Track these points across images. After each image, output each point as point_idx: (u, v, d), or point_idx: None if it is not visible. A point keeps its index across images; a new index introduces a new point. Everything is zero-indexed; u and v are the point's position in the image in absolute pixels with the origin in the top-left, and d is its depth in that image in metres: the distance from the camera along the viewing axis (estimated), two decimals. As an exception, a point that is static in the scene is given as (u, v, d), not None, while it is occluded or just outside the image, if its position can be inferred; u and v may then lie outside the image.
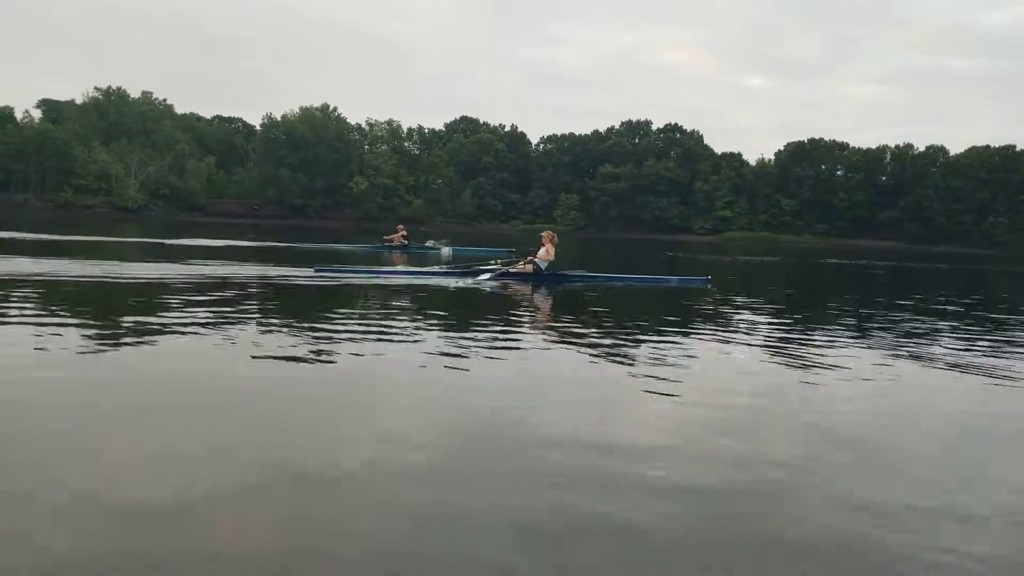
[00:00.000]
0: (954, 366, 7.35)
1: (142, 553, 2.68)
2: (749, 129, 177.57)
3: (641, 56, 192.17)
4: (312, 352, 6.55)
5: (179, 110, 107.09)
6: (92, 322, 7.94)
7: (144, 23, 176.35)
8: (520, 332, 8.54)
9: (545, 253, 14.94)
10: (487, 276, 14.72)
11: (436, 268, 16.46)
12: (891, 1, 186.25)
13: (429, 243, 28.13)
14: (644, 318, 10.90)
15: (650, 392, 5.58)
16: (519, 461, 3.86)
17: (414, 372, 6.02)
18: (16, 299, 9.28)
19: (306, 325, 8.23)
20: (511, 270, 15.05)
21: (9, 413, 4.43)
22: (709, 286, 15.92)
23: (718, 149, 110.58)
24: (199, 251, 21.40)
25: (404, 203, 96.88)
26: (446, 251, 24.46)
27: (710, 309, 11.93)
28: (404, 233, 27.12)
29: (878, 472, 4.08)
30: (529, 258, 15.08)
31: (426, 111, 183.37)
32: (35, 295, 9.97)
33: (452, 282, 14.39)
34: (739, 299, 14.33)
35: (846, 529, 3.24)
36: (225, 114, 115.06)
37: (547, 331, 8.75)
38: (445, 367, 6.19)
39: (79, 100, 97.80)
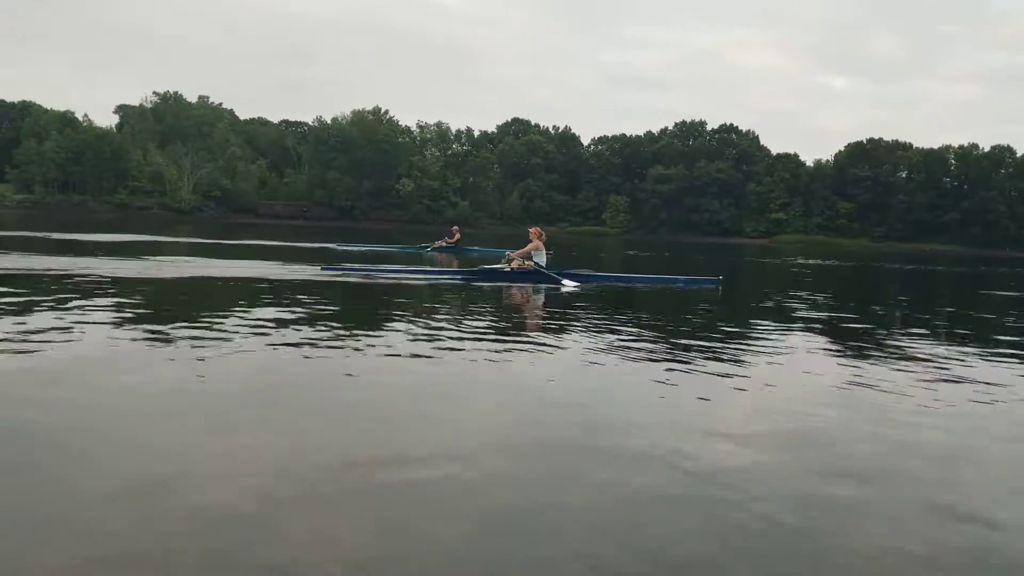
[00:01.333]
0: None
1: (219, 555, 2.69)
2: (833, 131, 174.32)
3: (720, 57, 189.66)
4: (370, 351, 6.55)
5: (245, 114, 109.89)
6: (166, 323, 7.80)
7: (226, 32, 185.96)
8: (568, 334, 8.34)
9: (529, 249, 14.65)
10: (483, 275, 14.60)
11: (442, 268, 16.38)
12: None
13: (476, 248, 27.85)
14: (689, 320, 10.42)
15: (718, 399, 5.45)
16: (592, 467, 3.76)
17: (476, 374, 5.99)
18: (93, 298, 9.36)
19: (356, 325, 8.22)
20: (513, 268, 14.56)
21: (83, 416, 4.35)
22: (720, 287, 15.08)
23: (802, 152, 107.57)
24: (252, 250, 22.27)
25: (450, 205, 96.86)
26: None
27: (769, 313, 11.47)
28: (459, 236, 26.74)
29: (965, 483, 3.90)
30: (522, 253, 14.71)
31: (499, 117, 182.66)
32: (110, 294, 10.05)
33: (447, 280, 14.37)
34: (798, 303, 13.59)
35: (938, 541, 3.11)
36: (292, 119, 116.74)
37: (591, 333, 8.37)
38: (505, 369, 6.17)
39: (138, 104, 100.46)
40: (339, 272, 14.70)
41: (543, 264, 14.53)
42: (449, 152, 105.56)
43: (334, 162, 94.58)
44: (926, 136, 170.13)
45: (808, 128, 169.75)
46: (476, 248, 27.66)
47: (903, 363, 7.10)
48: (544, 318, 10.17)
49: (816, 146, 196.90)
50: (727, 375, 6.22)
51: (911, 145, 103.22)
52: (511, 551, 2.82)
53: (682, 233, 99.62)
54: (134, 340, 6.58)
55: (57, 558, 2.62)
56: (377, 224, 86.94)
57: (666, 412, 5.01)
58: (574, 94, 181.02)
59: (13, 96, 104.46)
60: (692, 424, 4.71)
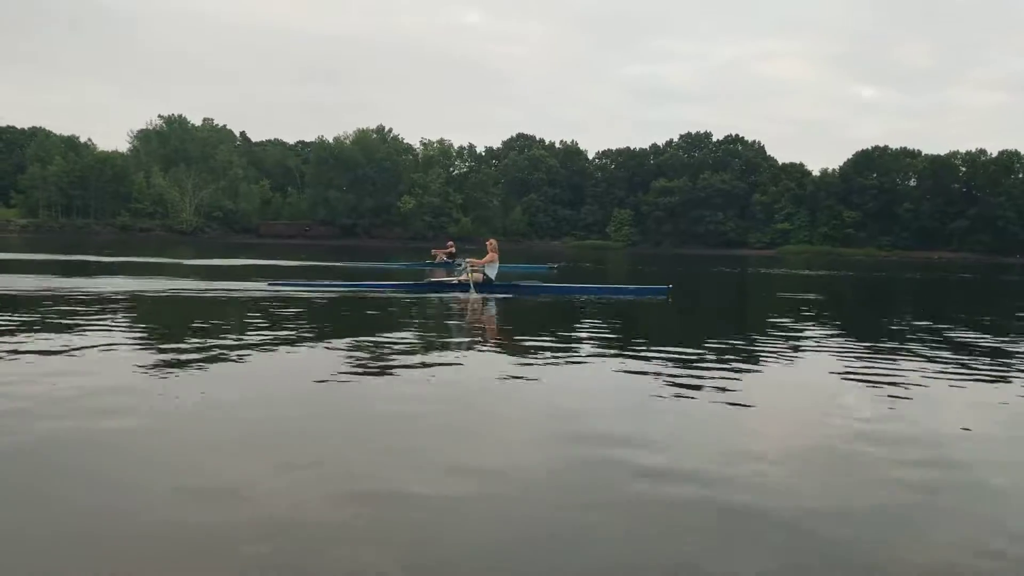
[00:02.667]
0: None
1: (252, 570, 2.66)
2: (863, 140, 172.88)
3: (748, 69, 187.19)
4: (382, 365, 6.52)
5: (261, 136, 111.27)
6: (188, 339, 7.87)
7: (252, 55, 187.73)
8: (578, 346, 8.16)
9: (486, 260, 14.77)
10: (433, 287, 14.72)
11: (390, 282, 16.44)
12: (1012, 3, 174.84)
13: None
14: (696, 334, 10.09)
15: (745, 415, 5.23)
16: (623, 483, 3.66)
17: (494, 386, 5.95)
18: (108, 315, 9.78)
19: (341, 340, 8.04)
20: (463, 280, 14.65)
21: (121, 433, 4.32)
22: (670, 297, 14.88)
23: (831, 165, 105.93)
24: (253, 270, 22.41)
25: (452, 221, 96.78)
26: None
27: (787, 325, 11.04)
28: (452, 249, 26.55)
29: (999, 495, 3.73)
30: (472, 264, 14.84)
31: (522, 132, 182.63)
32: (124, 311, 10.44)
33: (403, 294, 14.37)
34: (810, 315, 13.35)
35: (982, 553, 3.00)
36: (308, 140, 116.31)
37: (600, 344, 8.29)
38: (514, 381, 6.11)
39: (143, 129, 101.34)
40: (287, 287, 14.80)
41: (492, 276, 14.70)
42: (452, 169, 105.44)
43: (335, 181, 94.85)
44: (957, 144, 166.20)
45: (839, 139, 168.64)
46: (517, 265, 27.53)
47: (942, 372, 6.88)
48: (530, 330, 9.95)
49: (846, 158, 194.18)
50: (737, 388, 6.05)
51: (919, 152, 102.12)
52: (545, 567, 2.76)
53: (686, 245, 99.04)
54: (147, 362, 6.48)
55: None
56: (379, 242, 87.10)
57: (688, 424, 4.90)
58: (599, 109, 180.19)
59: (27, 122, 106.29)
60: (721, 438, 4.60)
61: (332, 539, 2.94)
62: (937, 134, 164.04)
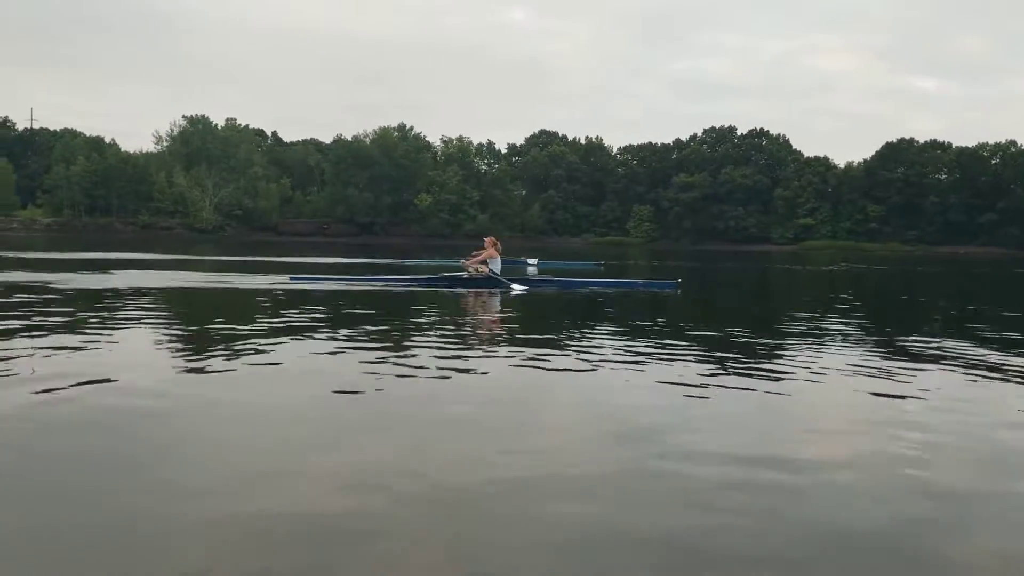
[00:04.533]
0: None
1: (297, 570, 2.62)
2: (921, 134, 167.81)
3: (800, 63, 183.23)
4: (423, 362, 6.41)
5: (291, 137, 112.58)
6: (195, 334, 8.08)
7: (300, 59, 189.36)
8: (604, 340, 8.10)
9: (484, 256, 15.34)
10: (445, 282, 15.21)
11: (406, 276, 17.21)
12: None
13: (523, 258, 27.95)
14: (746, 327, 10.01)
15: (797, 409, 5.19)
16: (673, 480, 3.58)
17: (541, 382, 5.89)
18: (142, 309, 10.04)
19: (373, 334, 8.19)
20: (470, 276, 15.15)
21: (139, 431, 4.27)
22: (679, 291, 15.41)
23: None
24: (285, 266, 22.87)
25: (469, 218, 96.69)
26: (532, 268, 24.87)
27: (810, 320, 11.04)
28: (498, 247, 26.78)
29: None
30: (478, 260, 15.38)
31: (567, 130, 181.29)
32: (159, 306, 10.73)
33: (412, 287, 14.87)
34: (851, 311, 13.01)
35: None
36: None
37: (625, 338, 8.27)
38: (564, 377, 6.09)
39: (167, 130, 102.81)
40: (308, 281, 15.63)
41: (497, 271, 15.24)
42: (477, 166, 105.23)
43: (354, 179, 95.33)
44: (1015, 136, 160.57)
45: (895, 134, 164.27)
46: (564, 262, 28.53)
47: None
48: (555, 324, 10.02)
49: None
50: (778, 381, 5.96)
51: (949, 145, 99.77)
52: (591, 566, 2.71)
53: (706, 241, 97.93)
54: (179, 355, 6.54)
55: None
56: (397, 239, 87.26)
57: (728, 421, 4.77)
58: (646, 104, 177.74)
59: (72, 125, 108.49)
60: (773, 432, 4.52)
61: (375, 534, 2.90)
62: (994, 126, 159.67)
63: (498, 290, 14.28)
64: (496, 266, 15.29)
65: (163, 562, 2.63)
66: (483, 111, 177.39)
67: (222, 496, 3.22)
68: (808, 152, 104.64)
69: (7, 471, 3.48)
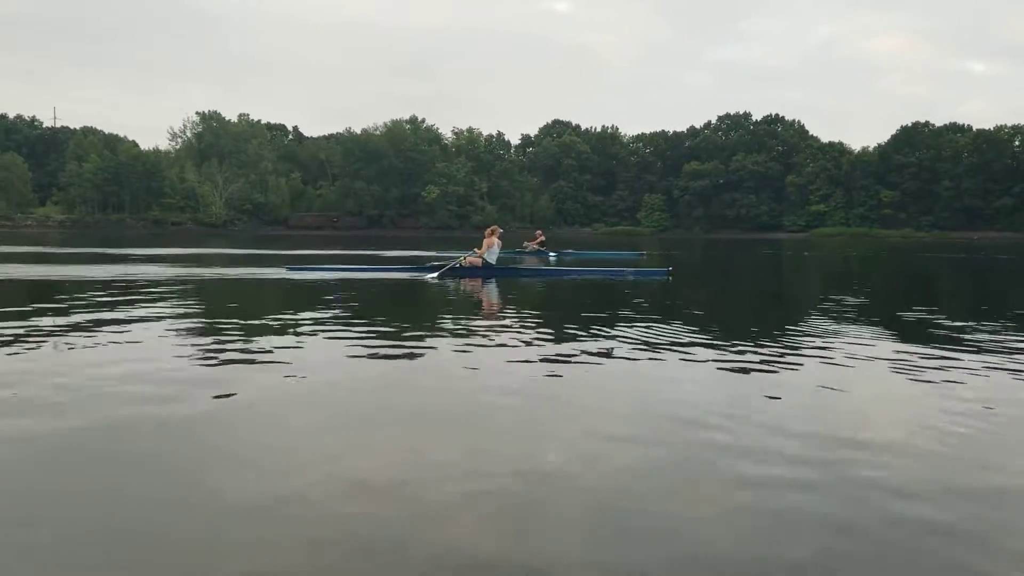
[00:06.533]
0: None
1: (372, 554, 2.64)
2: (973, 117, 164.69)
3: (846, 47, 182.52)
4: (430, 352, 6.43)
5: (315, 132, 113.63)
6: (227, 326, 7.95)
7: (343, 51, 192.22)
8: (627, 329, 7.88)
9: (484, 248, 15.56)
10: (435, 273, 15.04)
11: (397, 266, 17.54)
12: None
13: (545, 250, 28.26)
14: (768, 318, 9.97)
15: (842, 394, 5.06)
16: (725, 468, 3.50)
17: (580, 370, 5.76)
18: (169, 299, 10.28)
19: (395, 324, 8.16)
20: (463, 264, 15.29)
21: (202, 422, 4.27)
22: (670, 278, 15.34)
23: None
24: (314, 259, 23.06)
25: (477, 210, 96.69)
26: (552, 257, 25.39)
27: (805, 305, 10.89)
28: (542, 238, 27.75)
29: None
30: (476, 252, 15.63)
31: (615, 120, 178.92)
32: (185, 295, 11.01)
33: (407, 277, 15.01)
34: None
35: None
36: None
37: (642, 328, 8.02)
38: (610, 365, 5.96)
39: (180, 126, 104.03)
40: (307, 271, 15.83)
41: (492, 261, 15.50)
42: (480, 156, 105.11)
43: (362, 172, 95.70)
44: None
45: (947, 118, 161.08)
46: (570, 251, 28.40)
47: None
48: (567, 314, 9.88)
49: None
50: (818, 370, 5.80)
51: (969, 127, 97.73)
52: (641, 557, 2.66)
53: (718, 229, 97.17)
54: (205, 347, 6.49)
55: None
56: (405, 231, 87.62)
57: (772, 410, 4.61)
58: (691, 92, 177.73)
59: (101, 124, 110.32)
60: (816, 421, 4.37)
61: (429, 520, 2.92)
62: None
63: (493, 278, 14.60)
64: (492, 256, 15.54)
65: (214, 559, 2.61)
66: (524, 101, 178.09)
67: (271, 490, 3.18)
68: (827, 138, 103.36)
69: (54, 469, 3.44)
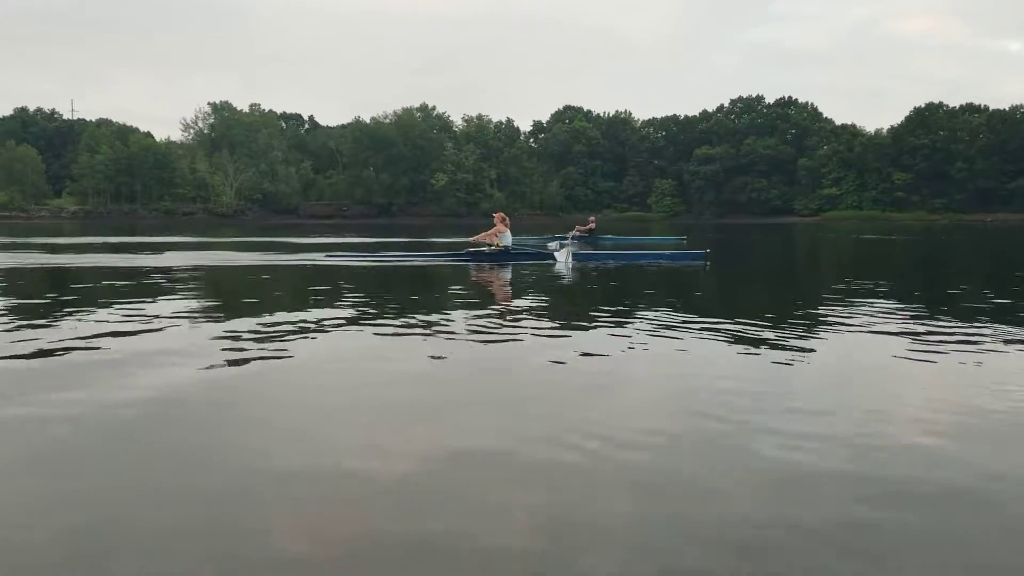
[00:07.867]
0: None
1: (391, 535, 2.71)
2: (1009, 97, 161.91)
3: (880, 28, 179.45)
4: (502, 334, 6.64)
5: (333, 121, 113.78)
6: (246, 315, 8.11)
7: (360, 39, 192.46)
8: (652, 313, 8.03)
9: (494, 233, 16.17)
10: (469, 256, 16.04)
11: (434, 252, 18.38)
12: None
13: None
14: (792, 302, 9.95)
15: (870, 383, 5.07)
16: (755, 458, 3.48)
17: (614, 355, 5.85)
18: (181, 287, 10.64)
19: (428, 309, 8.34)
20: (487, 250, 16.00)
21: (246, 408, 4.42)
22: (707, 262, 15.59)
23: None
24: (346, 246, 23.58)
25: (486, 196, 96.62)
26: (553, 245, 25.62)
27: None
28: (592, 225, 27.92)
29: None
30: (486, 236, 16.24)
31: (641, 105, 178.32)
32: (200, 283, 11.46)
33: (443, 261, 15.93)
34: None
35: None
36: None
37: (667, 311, 8.19)
38: (643, 350, 6.04)
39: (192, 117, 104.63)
40: (345, 258, 16.94)
41: (508, 244, 16.12)
42: (489, 141, 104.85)
43: (371, 160, 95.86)
44: None
45: (985, 97, 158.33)
46: (610, 237, 28.59)
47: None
48: (595, 298, 10.09)
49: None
50: (856, 352, 5.94)
51: (986, 108, 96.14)
52: (678, 537, 2.70)
53: (729, 214, 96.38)
54: (237, 334, 6.60)
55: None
56: (414, 219, 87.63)
57: (802, 391, 4.73)
58: (722, 75, 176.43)
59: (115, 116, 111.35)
60: (852, 401, 4.47)
61: (473, 503, 2.97)
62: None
63: (514, 262, 15.21)
64: (507, 240, 16.09)
65: (265, 538, 2.67)
66: (553, 88, 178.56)
67: (311, 472, 3.27)
68: (839, 119, 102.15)
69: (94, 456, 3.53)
